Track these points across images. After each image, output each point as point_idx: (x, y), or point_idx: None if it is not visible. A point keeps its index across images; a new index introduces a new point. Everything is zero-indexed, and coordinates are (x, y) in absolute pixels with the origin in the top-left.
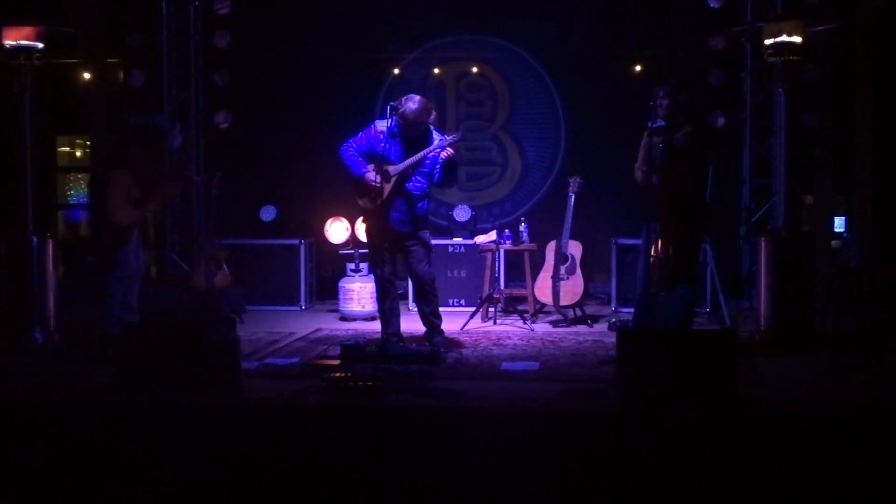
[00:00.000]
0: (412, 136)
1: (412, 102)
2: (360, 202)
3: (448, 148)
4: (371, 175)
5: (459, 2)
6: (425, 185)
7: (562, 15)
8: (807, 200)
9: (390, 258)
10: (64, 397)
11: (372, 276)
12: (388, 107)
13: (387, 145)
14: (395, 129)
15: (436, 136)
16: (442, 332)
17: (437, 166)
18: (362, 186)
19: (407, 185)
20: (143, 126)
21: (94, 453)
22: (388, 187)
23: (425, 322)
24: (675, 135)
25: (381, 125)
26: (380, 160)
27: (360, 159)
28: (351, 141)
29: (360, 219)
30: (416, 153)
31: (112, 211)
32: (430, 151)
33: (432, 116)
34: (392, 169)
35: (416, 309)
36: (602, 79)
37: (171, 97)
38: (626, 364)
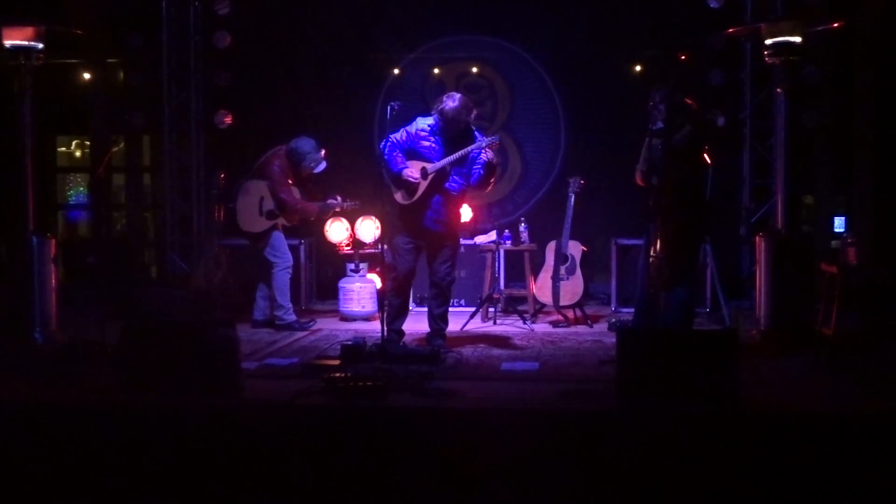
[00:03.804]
0: (452, 134)
1: (451, 100)
2: (396, 196)
3: (487, 150)
4: (408, 171)
5: (459, 2)
6: (463, 186)
7: (562, 15)
8: (807, 200)
9: (415, 256)
10: (64, 397)
11: (371, 276)
12: (389, 107)
13: (427, 143)
14: (437, 128)
15: (478, 136)
16: (444, 336)
17: (476, 167)
18: (400, 182)
19: (445, 184)
20: (288, 148)
21: (94, 453)
22: (423, 185)
23: (431, 323)
24: (674, 135)
25: (423, 123)
26: (419, 158)
27: (400, 156)
28: (391, 137)
29: (359, 220)
30: (456, 152)
31: (238, 217)
32: (469, 150)
33: (473, 115)
34: (430, 167)
35: (420, 309)
36: (602, 79)
37: (171, 97)
38: (626, 364)
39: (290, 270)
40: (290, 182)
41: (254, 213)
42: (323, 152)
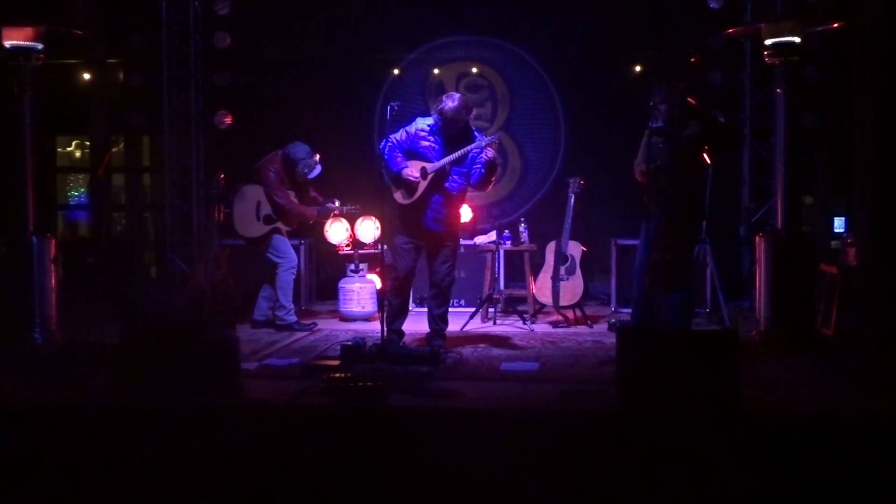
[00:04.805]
0: (451, 134)
1: (451, 100)
2: (396, 196)
3: (488, 149)
4: (408, 171)
5: (459, 2)
6: (463, 185)
7: (562, 15)
8: (807, 200)
9: (415, 256)
10: (64, 398)
11: (371, 276)
12: (389, 107)
13: (427, 143)
14: (436, 128)
15: (477, 136)
16: (444, 336)
17: (477, 166)
18: (400, 182)
19: (445, 184)
20: (283, 153)
21: (93, 453)
22: (423, 184)
23: (431, 324)
24: (682, 133)
25: (423, 123)
26: (419, 158)
27: (400, 156)
28: (391, 137)
29: (359, 220)
30: (456, 152)
31: (234, 222)
32: (469, 150)
33: (472, 115)
34: (430, 166)
35: (420, 309)
36: (602, 79)
37: (171, 97)
38: (626, 364)
39: (294, 271)
40: (286, 186)
41: (250, 218)
42: (317, 157)
